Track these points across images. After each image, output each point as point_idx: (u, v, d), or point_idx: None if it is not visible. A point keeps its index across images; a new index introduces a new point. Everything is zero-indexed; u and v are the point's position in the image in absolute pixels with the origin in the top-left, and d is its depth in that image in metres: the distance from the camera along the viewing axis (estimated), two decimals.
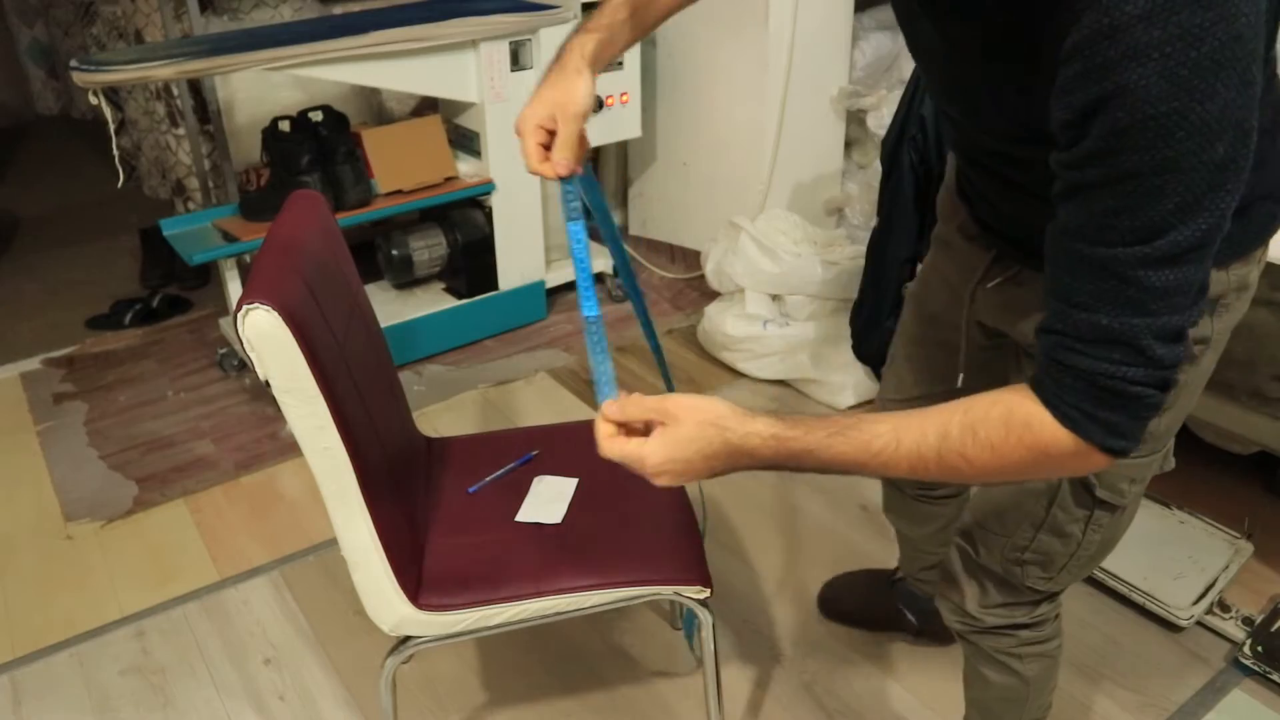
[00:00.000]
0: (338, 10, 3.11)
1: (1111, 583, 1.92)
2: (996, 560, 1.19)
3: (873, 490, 2.20)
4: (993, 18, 0.82)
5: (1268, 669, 1.71)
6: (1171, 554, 1.97)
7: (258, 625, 1.95)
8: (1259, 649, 1.74)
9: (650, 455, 0.87)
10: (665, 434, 0.87)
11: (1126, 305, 0.75)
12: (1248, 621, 1.82)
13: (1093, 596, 1.93)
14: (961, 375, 1.23)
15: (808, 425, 0.86)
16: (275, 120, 2.58)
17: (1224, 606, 1.86)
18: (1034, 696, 1.31)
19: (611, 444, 0.89)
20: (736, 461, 0.87)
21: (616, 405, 0.90)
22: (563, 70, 1.06)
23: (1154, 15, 0.66)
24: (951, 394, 1.20)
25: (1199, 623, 1.85)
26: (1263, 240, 1.00)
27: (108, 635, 1.94)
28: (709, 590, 1.35)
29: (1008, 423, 0.82)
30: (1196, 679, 1.75)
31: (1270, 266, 1.88)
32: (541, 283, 3.01)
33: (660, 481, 0.88)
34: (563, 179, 1.05)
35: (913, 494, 1.57)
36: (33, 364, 2.92)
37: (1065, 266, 0.78)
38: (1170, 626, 1.85)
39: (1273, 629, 1.78)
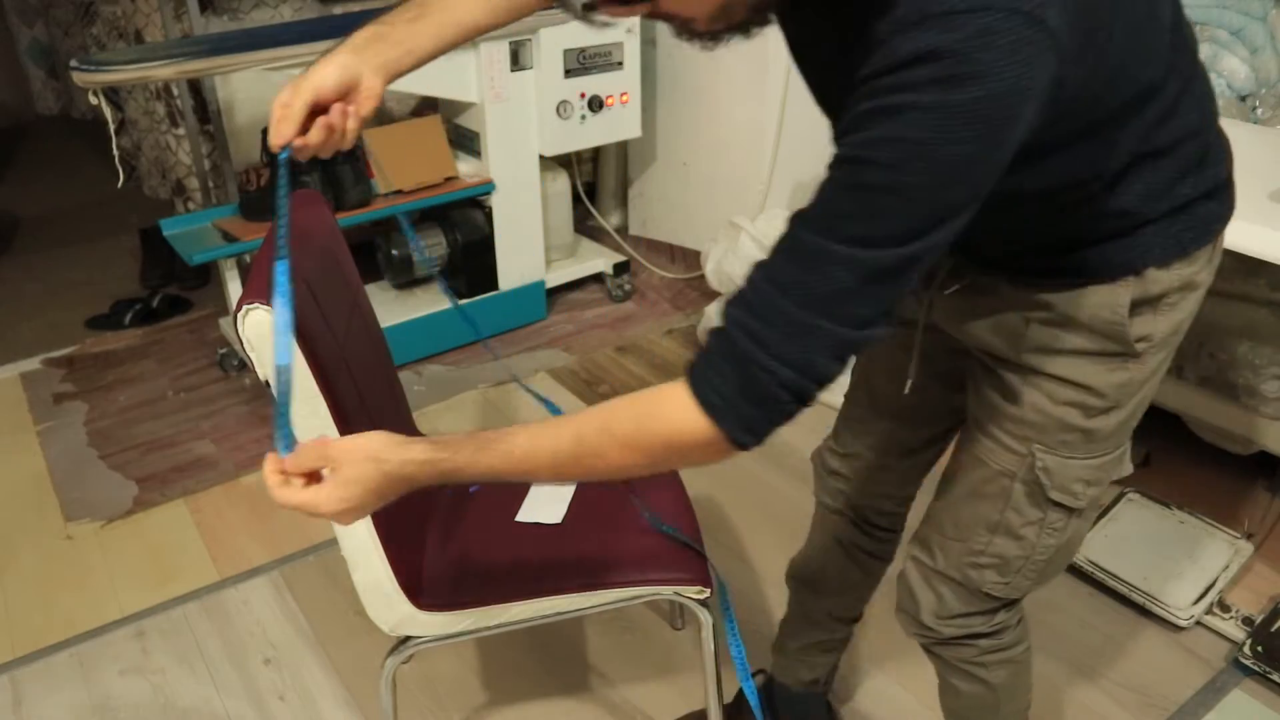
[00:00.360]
0: (338, 10, 3.12)
1: (1111, 583, 1.92)
2: (954, 565, 1.17)
3: None
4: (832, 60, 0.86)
5: (1268, 669, 1.72)
6: (1171, 554, 1.97)
7: (258, 625, 1.95)
8: (1259, 649, 1.74)
9: (323, 502, 0.91)
10: (333, 479, 0.91)
11: (817, 301, 0.78)
12: (1248, 621, 1.82)
13: (1093, 596, 1.93)
14: (910, 381, 1.21)
15: (457, 445, 0.90)
16: None
17: (1224, 606, 1.86)
18: (1005, 702, 1.29)
19: (284, 493, 0.92)
20: (400, 487, 0.92)
21: (285, 459, 0.92)
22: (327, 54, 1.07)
23: (927, 59, 0.71)
24: (904, 396, 1.24)
25: (1199, 623, 1.85)
26: (1204, 240, 1.00)
27: (108, 635, 1.94)
28: (709, 590, 1.35)
29: (641, 414, 0.86)
30: (1196, 679, 1.75)
31: (1270, 266, 1.89)
32: (541, 283, 3.01)
33: (343, 521, 0.93)
34: (275, 153, 1.03)
35: (851, 546, 1.45)
36: (33, 364, 2.92)
37: (783, 244, 0.80)
38: (1170, 626, 1.85)
39: (1273, 629, 1.78)
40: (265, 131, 2.59)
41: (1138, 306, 0.99)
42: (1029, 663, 1.29)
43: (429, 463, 0.90)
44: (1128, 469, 1.14)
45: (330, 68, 1.05)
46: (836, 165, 0.77)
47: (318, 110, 1.05)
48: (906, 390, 1.21)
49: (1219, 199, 1.01)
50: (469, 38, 1.11)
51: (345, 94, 1.06)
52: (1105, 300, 0.98)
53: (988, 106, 0.72)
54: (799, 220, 0.79)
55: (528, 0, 1.14)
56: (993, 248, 1.03)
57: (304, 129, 1.04)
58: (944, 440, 1.33)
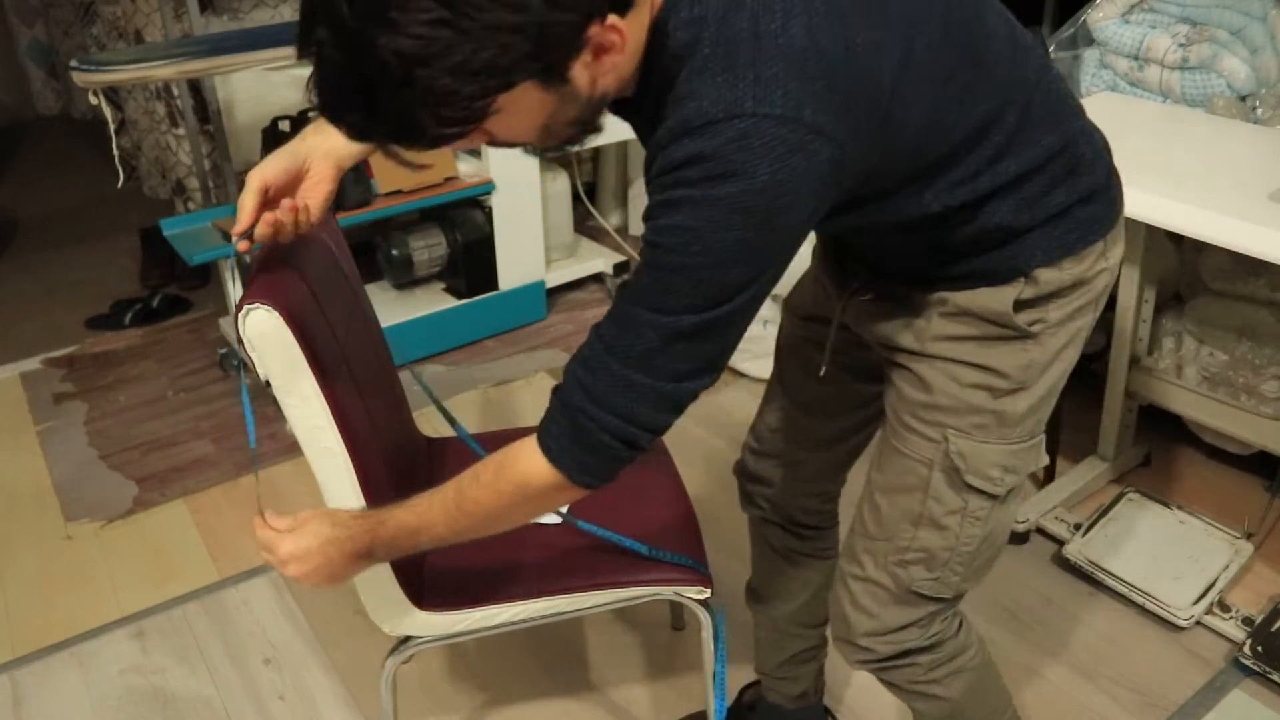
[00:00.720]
0: None
1: (1111, 583, 1.92)
2: (881, 567, 1.16)
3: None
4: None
5: (1268, 669, 1.72)
6: (1171, 554, 1.97)
7: (258, 625, 1.95)
8: (1259, 649, 1.74)
9: (279, 543, 1.10)
10: (294, 531, 1.11)
11: (634, 359, 0.90)
12: (1248, 621, 1.82)
13: (1093, 596, 1.93)
14: (823, 369, 1.24)
15: (389, 508, 1.07)
16: (275, 120, 2.58)
17: (1224, 606, 1.86)
18: (974, 711, 1.27)
19: (258, 533, 1.14)
20: (347, 548, 1.08)
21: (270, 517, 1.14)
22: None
23: (695, 161, 0.81)
24: (816, 388, 1.29)
25: (1199, 623, 1.85)
26: (1090, 240, 1.03)
27: (108, 635, 1.94)
28: (709, 590, 1.35)
29: (500, 463, 1.00)
30: (1196, 679, 1.75)
31: (1270, 266, 1.89)
32: (541, 283, 3.01)
33: (289, 570, 1.10)
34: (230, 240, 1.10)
35: (786, 550, 1.48)
36: (33, 364, 2.92)
37: (611, 310, 0.92)
38: (1170, 626, 1.85)
39: (1273, 629, 1.78)
40: (265, 132, 2.60)
41: (1031, 301, 1.03)
42: (987, 666, 1.28)
43: (363, 516, 1.09)
44: (1043, 460, 1.15)
45: (278, 157, 1.12)
46: (643, 246, 0.89)
47: (275, 198, 1.10)
48: (821, 374, 1.24)
49: (1100, 201, 1.05)
50: None
51: (294, 181, 1.12)
52: (994, 296, 1.03)
53: (750, 199, 0.81)
54: (621, 289, 0.91)
55: None
56: (889, 262, 1.10)
57: (258, 218, 1.09)
58: (858, 433, 1.35)
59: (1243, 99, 2.05)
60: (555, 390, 0.96)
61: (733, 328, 0.91)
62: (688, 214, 0.84)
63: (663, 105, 0.86)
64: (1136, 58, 2.17)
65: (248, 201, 1.08)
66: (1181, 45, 2.09)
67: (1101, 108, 2.14)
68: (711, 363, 0.92)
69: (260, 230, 1.08)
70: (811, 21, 0.82)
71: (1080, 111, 1.06)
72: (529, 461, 0.97)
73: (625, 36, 0.82)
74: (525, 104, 0.81)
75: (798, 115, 0.80)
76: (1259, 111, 2.01)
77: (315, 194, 1.14)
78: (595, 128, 0.91)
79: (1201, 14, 2.09)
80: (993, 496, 1.10)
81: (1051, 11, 2.67)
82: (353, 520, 1.08)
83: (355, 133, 0.83)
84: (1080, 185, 1.02)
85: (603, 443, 0.93)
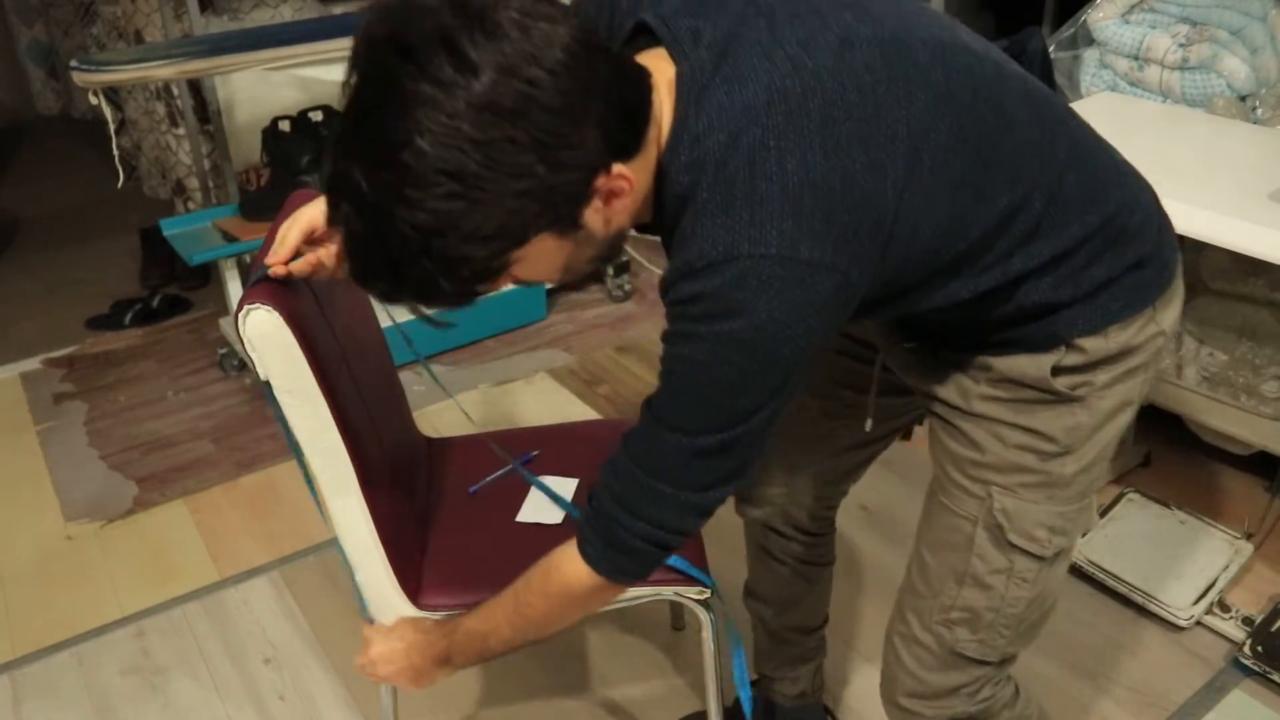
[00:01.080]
0: (338, 10, 3.12)
1: (1111, 583, 1.92)
2: (926, 626, 1.13)
3: (873, 491, 2.20)
4: None
5: (1268, 669, 1.72)
6: (1171, 554, 1.97)
7: (258, 625, 1.95)
8: (1259, 649, 1.74)
9: (373, 647, 1.20)
10: (385, 634, 1.20)
11: (659, 470, 0.93)
12: (1248, 621, 1.82)
13: (1093, 597, 1.93)
14: (870, 420, 1.22)
15: (452, 624, 1.16)
16: (275, 120, 2.58)
17: (1224, 606, 1.86)
18: None
19: (364, 630, 1.24)
20: (428, 651, 1.17)
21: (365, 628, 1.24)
22: None
23: (697, 299, 0.85)
24: (856, 444, 1.31)
25: (1199, 623, 1.85)
26: (1137, 308, 1.00)
27: (108, 635, 1.94)
28: (709, 590, 1.35)
29: (546, 569, 1.05)
30: (1196, 679, 1.75)
31: (1270, 266, 1.89)
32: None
33: (379, 670, 1.20)
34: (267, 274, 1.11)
35: (780, 554, 1.47)
36: (33, 364, 2.92)
37: (639, 421, 0.95)
38: (1170, 626, 1.85)
39: (1273, 629, 1.78)
40: (265, 132, 2.60)
41: (1074, 367, 1.00)
42: None
43: (441, 623, 1.18)
44: (1095, 521, 1.12)
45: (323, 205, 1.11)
46: (660, 366, 0.92)
47: (318, 240, 1.11)
48: (867, 429, 1.24)
49: (1150, 267, 1.01)
50: None
51: None
52: (1033, 363, 1.01)
53: (751, 335, 0.84)
54: (645, 404, 0.94)
55: None
56: (928, 330, 1.09)
57: (296, 255, 1.10)
58: (876, 444, 1.34)
59: (1243, 99, 2.05)
60: (590, 496, 1.00)
61: (753, 442, 0.92)
62: (694, 348, 0.87)
63: (666, 238, 0.91)
64: (1136, 58, 2.17)
65: (292, 236, 1.09)
66: (1181, 45, 2.09)
67: (1101, 108, 2.14)
68: (734, 473, 0.94)
69: (300, 266, 1.10)
70: (807, 157, 0.82)
71: (1124, 177, 1.01)
72: (571, 567, 1.01)
73: (633, 181, 0.85)
74: (543, 252, 0.84)
75: (793, 254, 0.82)
76: (1259, 111, 2.01)
77: None
78: (616, 257, 0.94)
79: (1201, 14, 2.09)
80: (1040, 558, 1.07)
81: (1051, 11, 2.67)
82: (434, 626, 1.18)
83: (385, 297, 0.87)
84: (1126, 255, 0.98)
85: (635, 547, 0.97)
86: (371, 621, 1.27)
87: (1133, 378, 1.03)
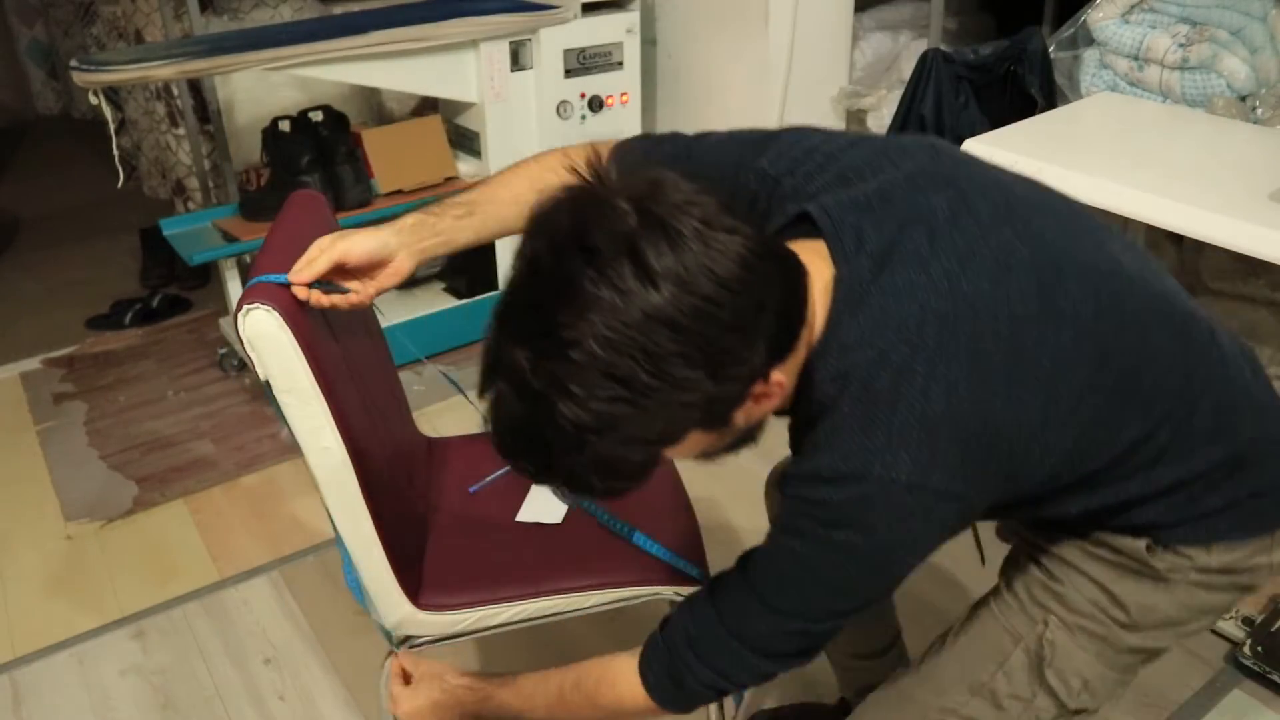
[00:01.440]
0: (338, 10, 3.12)
1: None
2: (912, 715, 1.08)
3: None
4: None
5: (1268, 669, 1.71)
6: None
7: (258, 625, 1.95)
8: (1259, 649, 1.74)
9: (401, 699, 1.17)
10: (410, 688, 1.18)
11: (738, 633, 0.95)
12: (1248, 621, 1.82)
13: None
14: (981, 556, 1.24)
15: (489, 680, 1.14)
16: (275, 120, 2.58)
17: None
18: None
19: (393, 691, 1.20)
20: (451, 704, 1.15)
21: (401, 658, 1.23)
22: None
23: (820, 505, 0.86)
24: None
25: None
26: (1249, 533, 0.97)
27: (108, 635, 1.94)
28: None
29: (601, 677, 1.06)
30: (1196, 679, 1.75)
31: (1270, 266, 1.89)
32: None
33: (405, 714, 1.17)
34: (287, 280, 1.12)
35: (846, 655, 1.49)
36: (33, 364, 2.92)
37: (731, 576, 0.97)
38: None
39: (1273, 629, 1.78)
40: (265, 132, 2.60)
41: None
42: None
43: (472, 689, 1.14)
44: (1115, 701, 1.09)
45: (369, 240, 1.12)
46: (767, 540, 0.94)
47: (348, 274, 1.13)
48: (982, 565, 1.24)
49: (1272, 497, 0.97)
50: (508, 235, 1.16)
51: (373, 266, 1.14)
52: (1134, 543, 0.99)
53: (867, 550, 0.86)
54: (742, 565, 0.96)
55: None
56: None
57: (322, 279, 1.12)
58: None
59: (1243, 99, 2.05)
60: (663, 624, 1.02)
61: (836, 632, 0.95)
62: (809, 547, 0.88)
63: (800, 430, 0.92)
64: (1136, 58, 2.17)
65: (321, 263, 1.10)
66: (1181, 45, 2.09)
67: (1101, 108, 2.15)
68: (812, 648, 0.96)
69: (318, 299, 1.11)
70: (953, 387, 0.82)
71: (1261, 410, 0.97)
72: (627, 685, 1.03)
73: (785, 385, 0.87)
74: (688, 445, 0.86)
75: (924, 483, 0.83)
76: (1259, 111, 2.01)
77: (385, 282, 1.15)
78: (753, 442, 0.94)
79: (1201, 14, 2.09)
80: (1062, 705, 1.03)
81: (1051, 11, 2.67)
82: (460, 689, 1.15)
83: (528, 475, 0.88)
84: (1247, 484, 0.96)
85: (696, 690, 0.99)
86: (387, 634, 1.26)
87: (1223, 593, 1.00)
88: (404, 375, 1.65)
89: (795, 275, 0.86)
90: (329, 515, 1.26)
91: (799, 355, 0.87)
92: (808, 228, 0.90)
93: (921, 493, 0.83)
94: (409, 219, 1.15)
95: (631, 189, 0.79)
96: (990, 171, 0.95)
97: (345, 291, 1.13)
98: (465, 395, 1.54)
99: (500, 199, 1.16)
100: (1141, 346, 0.90)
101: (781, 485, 0.92)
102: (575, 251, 0.77)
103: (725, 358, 0.79)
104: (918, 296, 0.84)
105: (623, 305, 0.75)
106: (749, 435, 0.92)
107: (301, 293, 1.11)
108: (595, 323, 0.75)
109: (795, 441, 0.95)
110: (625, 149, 1.08)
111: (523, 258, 0.82)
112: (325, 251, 1.10)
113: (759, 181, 0.96)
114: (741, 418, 0.86)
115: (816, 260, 0.88)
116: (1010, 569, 1.10)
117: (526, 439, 0.83)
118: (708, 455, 0.92)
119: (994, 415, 0.83)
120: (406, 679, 1.20)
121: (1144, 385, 0.90)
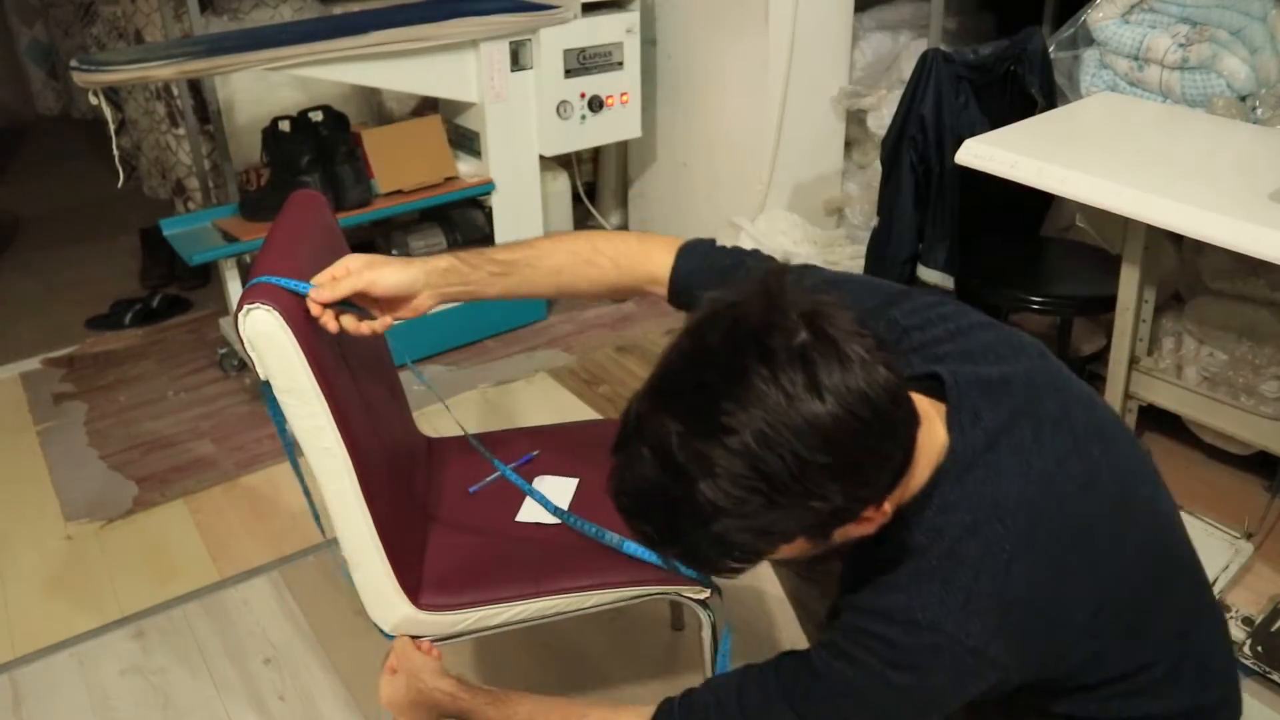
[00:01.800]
0: (338, 10, 3.12)
1: None
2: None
3: None
4: None
5: (1268, 669, 1.71)
6: None
7: (258, 625, 1.95)
8: (1259, 649, 1.74)
9: (382, 686, 1.20)
10: (392, 677, 1.21)
11: None
12: (1248, 621, 1.82)
13: None
14: None
15: (474, 692, 1.16)
16: (275, 120, 2.58)
17: (1224, 606, 1.86)
18: None
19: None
20: (427, 704, 1.17)
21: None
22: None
23: (887, 641, 0.91)
24: None
25: None
26: None
27: (108, 635, 1.94)
28: (709, 590, 1.35)
29: None
30: None
31: (1270, 266, 1.89)
32: None
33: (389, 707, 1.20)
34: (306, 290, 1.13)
35: (792, 592, 1.53)
36: (33, 364, 2.92)
37: (765, 671, 0.99)
38: None
39: (1273, 629, 1.78)
40: (265, 132, 2.60)
41: None
42: None
43: (453, 695, 1.16)
44: None
45: (399, 275, 1.15)
46: (814, 650, 0.96)
47: (371, 302, 1.16)
48: None
49: None
50: (535, 297, 1.19)
51: (396, 299, 1.16)
52: None
53: (915, 693, 0.91)
54: (781, 669, 0.98)
55: (592, 285, 1.23)
56: None
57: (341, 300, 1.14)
58: None
59: (1243, 99, 2.05)
60: (684, 699, 1.06)
61: None
62: (859, 675, 0.92)
63: (875, 564, 0.95)
64: (1136, 58, 2.17)
65: (343, 287, 1.12)
66: (1181, 45, 2.09)
67: (1101, 108, 2.15)
68: None
69: (329, 324, 1.13)
70: (1034, 571, 0.89)
71: (1234, 681, 1.07)
72: None
73: (887, 517, 0.91)
74: (793, 546, 0.90)
75: (984, 649, 0.89)
76: (1259, 111, 2.01)
77: (402, 315, 1.18)
78: (832, 560, 0.98)
79: (1201, 14, 2.09)
80: None
81: (1051, 11, 2.67)
82: (437, 693, 1.17)
83: (645, 540, 0.92)
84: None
85: None
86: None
87: None
88: (404, 375, 1.65)
89: (915, 423, 0.91)
90: (318, 516, 1.26)
91: (897, 494, 0.92)
92: (930, 384, 0.97)
93: (980, 658, 0.89)
94: (442, 261, 1.18)
95: (801, 305, 0.84)
96: (1083, 388, 1.03)
97: (363, 314, 1.15)
98: (444, 403, 1.54)
99: (542, 267, 1.21)
100: (1171, 589, 1.00)
101: (835, 610, 0.97)
102: (753, 349, 0.81)
103: (860, 477, 0.84)
104: (1017, 483, 0.91)
105: (787, 408, 0.80)
106: (831, 554, 0.96)
107: (316, 309, 1.12)
108: (757, 417, 0.80)
109: (853, 575, 0.99)
110: (691, 251, 1.18)
111: (692, 338, 0.86)
112: (352, 275, 1.12)
113: (888, 329, 1.02)
114: (839, 535, 0.91)
115: (933, 421, 0.94)
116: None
117: (655, 505, 0.87)
118: (793, 559, 0.95)
119: (1059, 609, 0.91)
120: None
121: (1162, 617, 0.99)
